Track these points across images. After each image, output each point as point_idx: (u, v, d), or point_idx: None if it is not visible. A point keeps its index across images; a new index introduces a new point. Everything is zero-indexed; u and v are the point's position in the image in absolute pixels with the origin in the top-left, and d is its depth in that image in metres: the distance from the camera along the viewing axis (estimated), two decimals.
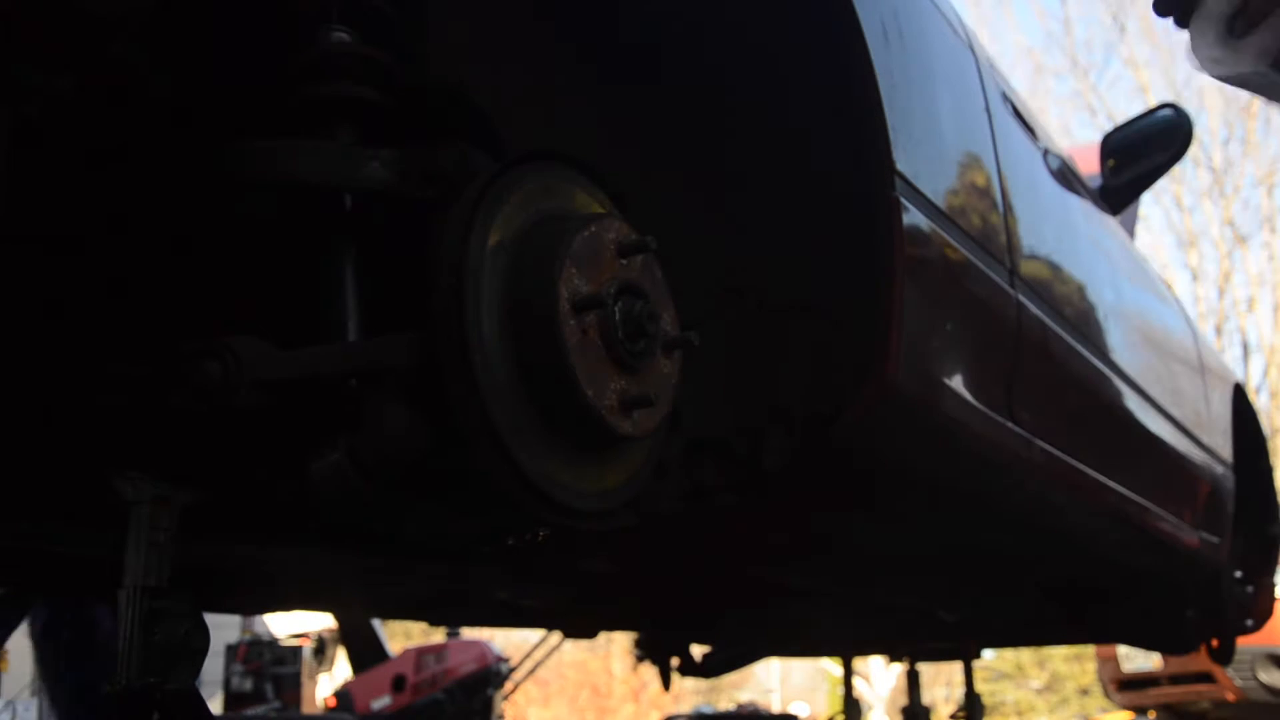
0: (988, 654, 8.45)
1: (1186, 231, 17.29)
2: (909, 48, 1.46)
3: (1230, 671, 5.83)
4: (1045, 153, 2.12)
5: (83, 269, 1.13)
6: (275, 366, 1.02)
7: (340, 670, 8.77)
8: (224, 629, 8.27)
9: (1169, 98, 16.27)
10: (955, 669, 4.76)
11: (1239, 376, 3.49)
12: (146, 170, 1.11)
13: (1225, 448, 3.02)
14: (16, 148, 0.85)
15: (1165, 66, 17.72)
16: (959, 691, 4.60)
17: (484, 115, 1.23)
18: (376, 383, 1.03)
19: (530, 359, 1.01)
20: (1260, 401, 15.44)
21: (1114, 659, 6.55)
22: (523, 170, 1.07)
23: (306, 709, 7.59)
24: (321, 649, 8.18)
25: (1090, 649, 8.77)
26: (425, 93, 1.20)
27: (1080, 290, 2.05)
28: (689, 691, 16.41)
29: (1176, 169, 2.98)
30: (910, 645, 4.37)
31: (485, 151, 1.12)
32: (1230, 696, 6.07)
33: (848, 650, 4.77)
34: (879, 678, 14.36)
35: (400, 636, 13.80)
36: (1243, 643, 3.62)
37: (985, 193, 1.66)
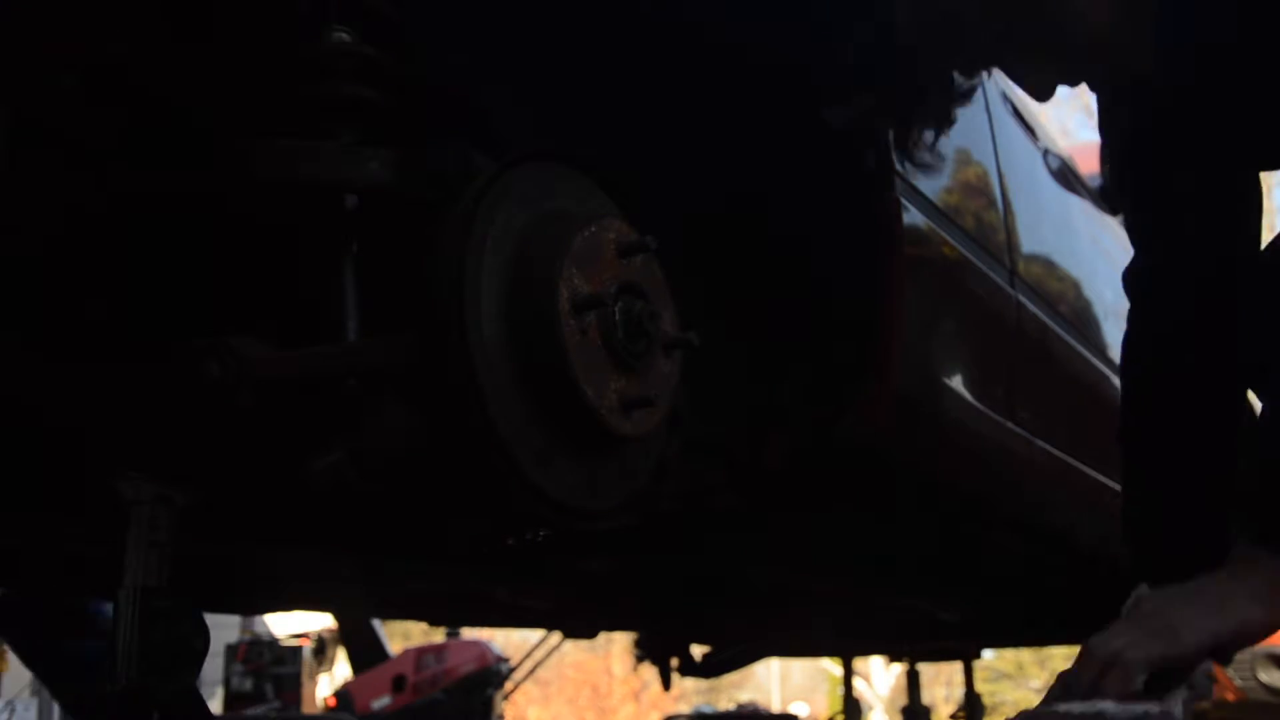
0: (988, 654, 8.45)
1: None
2: None
3: (1230, 671, 5.82)
4: (1045, 153, 2.12)
5: (82, 268, 1.13)
6: (275, 366, 1.02)
7: (340, 670, 8.77)
8: (224, 629, 8.26)
9: None
10: (955, 669, 4.76)
11: None
12: (146, 170, 1.11)
13: None
14: (17, 147, 0.85)
15: None
16: (959, 691, 4.60)
17: (484, 115, 1.23)
18: (376, 383, 1.03)
19: (530, 359, 1.01)
20: None
21: None
22: (523, 170, 1.07)
23: (306, 709, 7.59)
24: (321, 649, 8.17)
25: None
26: (425, 93, 1.19)
27: (1080, 290, 2.06)
28: (689, 691, 16.41)
29: None
30: (910, 645, 4.37)
31: (485, 152, 1.12)
32: (1230, 696, 6.06)
33: (848, 650, 4.77)
34: (879, 678, 14.36)
35: (400, 636, 13.79)
36: None
37: (985, 193, 1.67)
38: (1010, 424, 1.65)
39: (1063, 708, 1.06)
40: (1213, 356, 1.35)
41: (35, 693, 7.38)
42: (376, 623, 7.73)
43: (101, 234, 1.12)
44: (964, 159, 1.64)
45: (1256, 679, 5.90)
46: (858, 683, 5.07)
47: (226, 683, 7.55)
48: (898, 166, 1.32)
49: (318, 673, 8.25)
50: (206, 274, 1.22)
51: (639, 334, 1.07)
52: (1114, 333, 2.18)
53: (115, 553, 1.10)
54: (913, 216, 1.35)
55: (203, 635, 1.08)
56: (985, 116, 1.74)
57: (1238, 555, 1.18)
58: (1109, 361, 2.11)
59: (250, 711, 7.22)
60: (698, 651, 4.15)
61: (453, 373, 0.96)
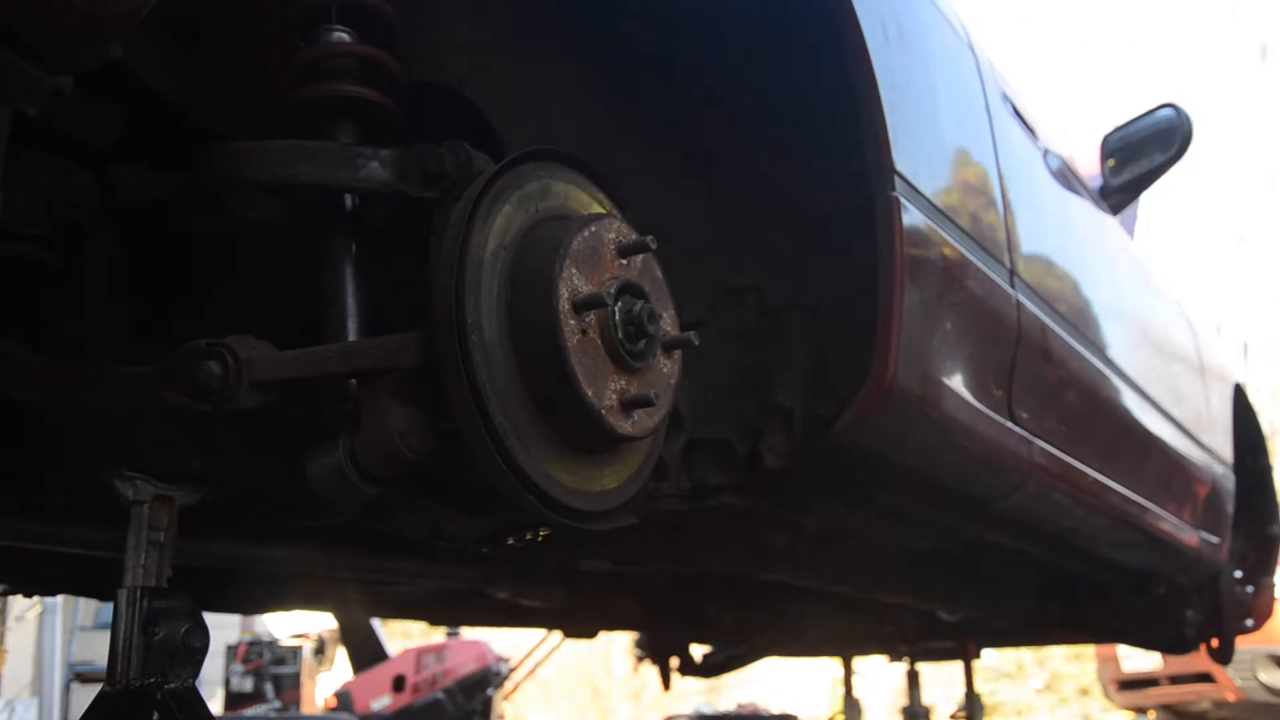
0: (988, 654, 8.43)
1: (1186, 232, 17.28)
2: (909, 48, 1.46)
3: (1230, 671, 5.83)
4: (1045, 153, 2.12)
5: (83, 268, 1.13)
6: (275, 366, 1.02)
7: (340, 670, 8.77)
8: (224, 629, 8.26)
9: (1169, 98, 16.20)
10: (955, 669, 4.76)
11: (1239, 376, 3.49)
12: (147, 170, 1.11)
13: (1225, 448, 3.02)
14: (16, 147, 0.85)
15: (1165, 67, 17.70)
16: (959, 691, 4.60)
17: (484, 115, 1.23)
18: (376, 383, 1.03)
19: (530, 359, 1.01)
20: (1260, 401, 15.41)
21: (1114, 659, 6.55)
22: (523, 170, 1.07)
23: (306, 709, 7.59)
24: (321, 649, 8.18)
25: (1090, 649, 8.77)
26: (425, 93, 1.20)
27: (1080, 290, 2.05)
28: (689, 691, 16.41)
29: (1176, 168, 2.97)
30: (910, 645, 4.37)
31: (485, 151, 1.12)
32: (1230, 696, 6.06)
33: (848, 650, 4.76)
34: (879, 678, 14.33)
35: (400, 636, 13.78)
36: (1243, 643, 3.61)
37: (985, 192, 1.66)
38: (1010, 424, 1.65)
39: None
40: None
41: (35, 693, 7.37)
42: (376, 623, 7.73)
43: (101, 234, 1.12)
44: (964, 159, 1.64)
45: (1256, 679, 5.90)
46: (858, 683, 5.06)
47: (226, 683, 7.56)
48: (898, 166, 1.32)
49: (318, 673, 8.26)
50: (207, 274, 1.22)
51: (639, 334, 1.07)
52: (1114, 332, 2.18)
53: (115, 553, 1.10)
54: (913, 216, 1.35)
55: (203, 635, 1.08)
56: (985, 116, 1.74)
57: None
58: (1109, 361, 2.11)
59: (250, 711, 7.22)
60: (698, 651, 4.15)
61: (452, 372, 0.96)
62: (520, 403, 1.01)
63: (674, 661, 4.10)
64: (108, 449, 1.12)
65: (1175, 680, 6.26)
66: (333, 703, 7.45)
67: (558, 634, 4.30)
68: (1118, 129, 3.03)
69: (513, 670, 7.12)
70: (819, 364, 1.45)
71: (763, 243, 1.49)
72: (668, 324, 1.13)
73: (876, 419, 1.36)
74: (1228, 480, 3.01)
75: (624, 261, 1.09)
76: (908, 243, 1.33)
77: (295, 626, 8.57)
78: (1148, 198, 3.09)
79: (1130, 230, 3.55)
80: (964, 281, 1.52)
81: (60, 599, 7.14)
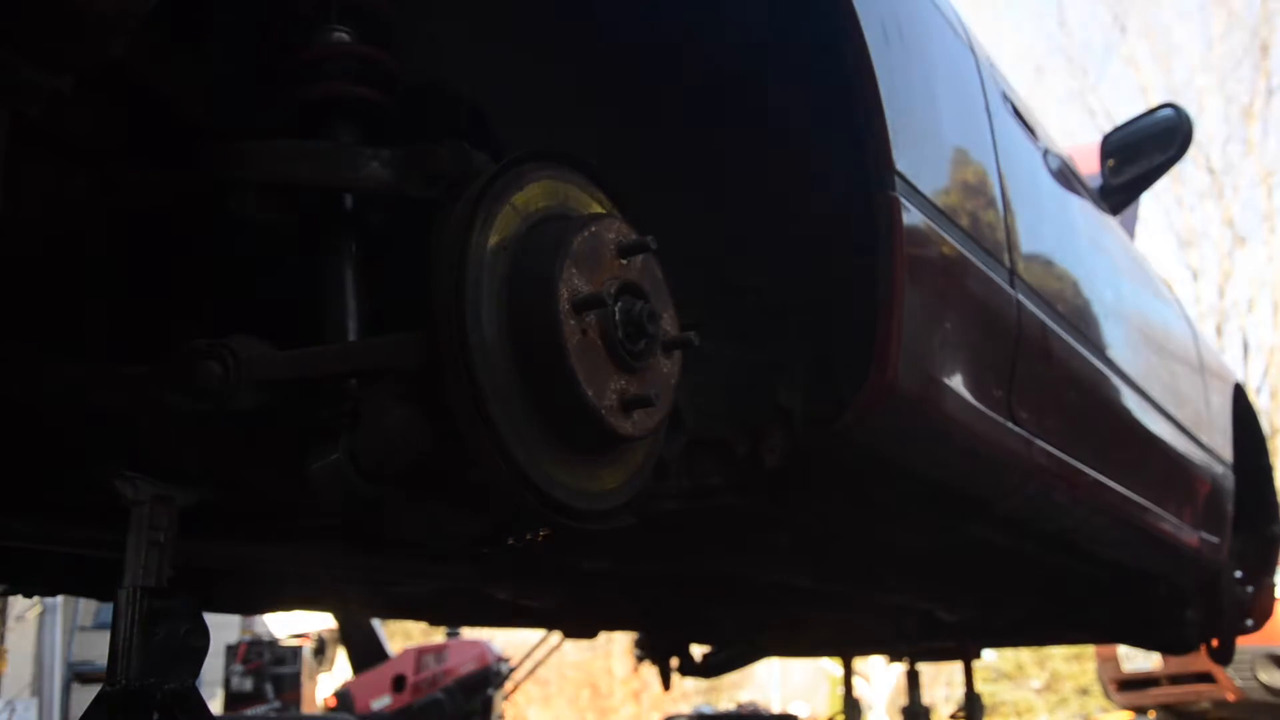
0: (988, 654, 8.43)
1: (1186, 231, 17.29)
2: (909, 48, 1.46)
3: (1230, 671, 5.83)
4: (1045, 153, 2.12)
5: (83, 268, 1.13)
6: (275, 366, 1.02)
7: (340, 670, 8.77)
8: (224, 629, 8.27)
9: (1169, 98, 16.23)
10: (955, 669, 4.76)
11: (1239, 376, 3.49)
12: (147, 170, 1.11)
13: (1225, 448, 3.02)
14: (17, 147, 0.85)
15: (1165, 66, 17.73)
16: (959, 691, 4.60)
17: (483, 115, 1.23)
18: (376, 383, 1.03)
19: (530, 359, 1.01)
20: (1260, 401, 15.42)
21: (1114, 659, 6.55)
22: (522, 170, 1.07)
23: (306, 709, 7.59)
24: (321, 649, 8.18)
25: (1090, 649, 8.77)
26: (425, 93, 1.20)
27: (1080, 290, 2.05)
28: (689, 691, 16.41)
29: (1176, 169, 2.97)
30: (910, 645, 4.37)
31: (485, 151, 1.12)
32: (1230, 696, 6.06)
33: (848, 650, 4.77)
34: (879, 678, 14.34)
35: (400, 636, 13.79)
36: (1243, 643, 3.61)
37: (985, 192, 1.66)
38: (1010, 424, 1.65)
39: None
40: None
41: (35, 693, 7.38)
42: (376, 623, 7.73)
43: (101, 234, 1.12)
44: (964, 159, 1.64)
45: (1256, 679, 5.90)
46: (858, 683, 5.06)
47: (226, 683, 7.55)
48: (898, 166, 1.32)
49: (318, 673, 8.26)
50: (207, 274, 1.22)
51: (639, 334, 1.07)
52: (1114, 333, 2.18)
53: (115, 553, 1.10)
54: (913, 216, 1.35)
55: (203, 635, 1.08)
56: (985, 116, 1.74)
57: None
58: (1109, 361, 2.11)
59: (250, 711, 7.22)
60: (698, 651, 4.15)
61: (452, 373, 0.96)
62: (520, 403, 1.01)
63: (674, 661, 4.10)
64: (107, 449, 1.12)
65: (1175, 680, 6.26)
66: (333, 703, 7.46)
67: (558, 634, 4.29)
68: (1118, 129, 3.03)
69: (513, 670, 7.12)
70: (819, 364, 1.45)
71: (763, 242, 1.49)
72: (668, 324, 1.13)
73: (876, 419, 1.37)
74: (1227, 480, 3.01)
75: (624, 261, 1.09)
76: (908, 243, 1.33)
77: (295, 626, 8.57)
78: (1147, 198, 3.09)
79: (1130, 230, 3.55)
80: (964, 281, 1.52)
81: (60, 599, 7.14)
